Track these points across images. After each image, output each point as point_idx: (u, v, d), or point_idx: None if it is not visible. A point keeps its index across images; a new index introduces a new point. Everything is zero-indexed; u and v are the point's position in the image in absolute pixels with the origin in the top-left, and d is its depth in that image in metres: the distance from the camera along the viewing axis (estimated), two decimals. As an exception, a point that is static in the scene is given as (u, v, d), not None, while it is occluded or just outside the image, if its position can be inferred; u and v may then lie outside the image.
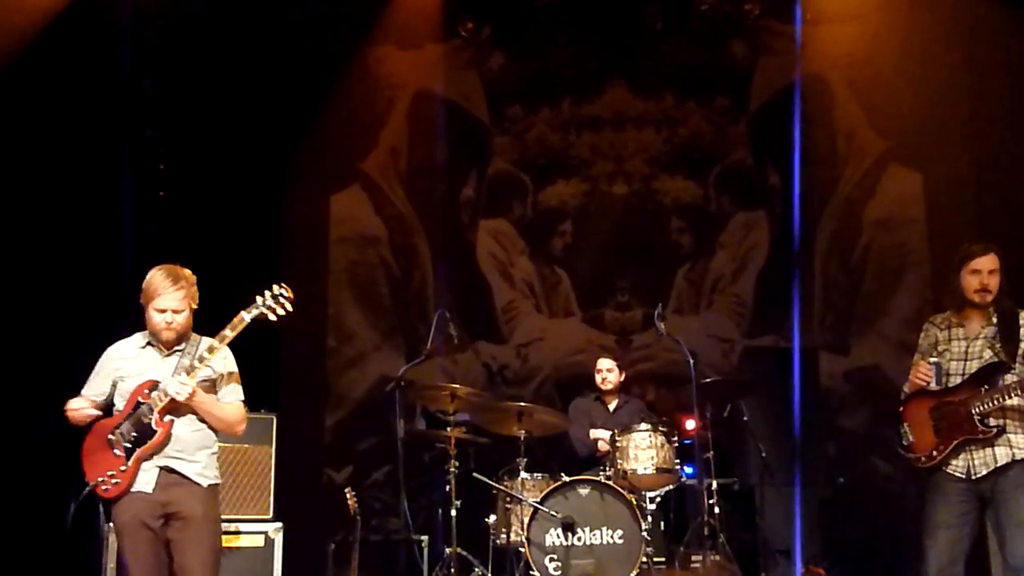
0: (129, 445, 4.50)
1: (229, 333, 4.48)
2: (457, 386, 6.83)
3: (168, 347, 4.61)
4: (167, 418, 4.51)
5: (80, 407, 4.61)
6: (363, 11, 8.53)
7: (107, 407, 4.65)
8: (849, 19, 8.52)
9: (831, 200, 8.77)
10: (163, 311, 4.52)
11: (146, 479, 4.50)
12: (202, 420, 4.60)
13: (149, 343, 4.65)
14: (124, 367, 4.63)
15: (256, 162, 8.02)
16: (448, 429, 6.83)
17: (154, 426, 4.49)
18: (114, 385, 4.62)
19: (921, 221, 8.59)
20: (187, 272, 4.61)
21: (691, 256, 8.91)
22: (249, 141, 7.97)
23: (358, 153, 9.00)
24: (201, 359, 4.48)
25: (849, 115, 8.77)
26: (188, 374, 4.47)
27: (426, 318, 8.34)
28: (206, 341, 4.61)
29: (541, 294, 8.96)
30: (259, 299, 4.51)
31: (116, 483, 4.49)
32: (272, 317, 4.53)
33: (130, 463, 4.49)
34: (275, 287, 4.55)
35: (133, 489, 4.49)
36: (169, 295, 4.51)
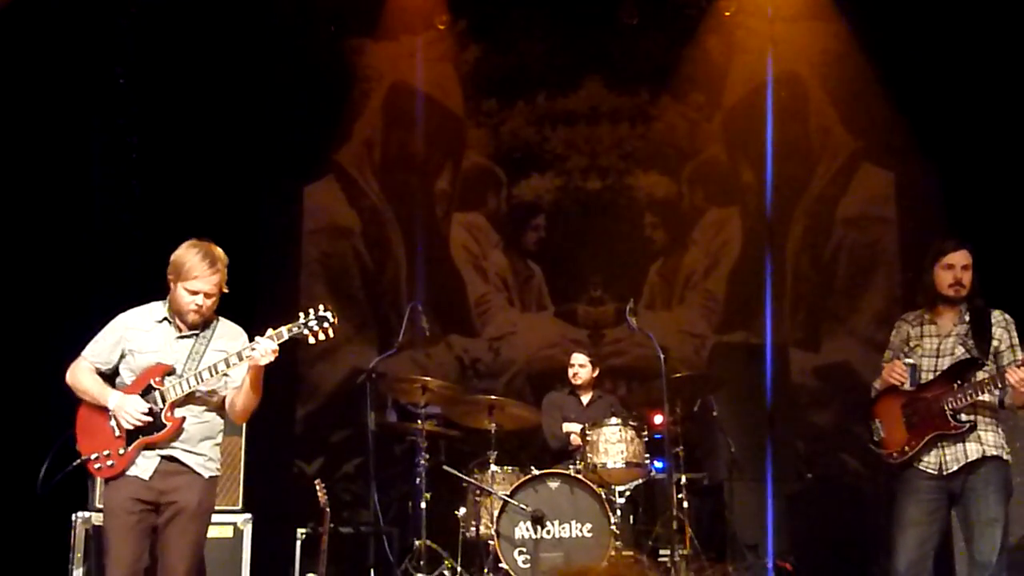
0: (131, 428, 4.33)
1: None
2: (428, 379, 6.83)
3: (189, 328, 4.44)
4: (178, 413, 4.36)
5: (137, 410, 4.32)
6: (339, 2, 8.48)
7: (110, 376, 4.49)
8: (822, 17, 8.56)
9: (803, 197, 8.83)
10: (196, 293, 4.35)
11: (145, 466, 4.36)
12: (208, 411, 4.46)
13: (167, 319, 4.47)
14: (136, 340, 4.44)
15: (230, 152, 7.97)
16: (419, 422, 6.83)
17: (163, 419, 4.34)
18: (122, 356, 4.46)
19: (892, 220, 8.67)
20: (222, 253, 4.43)
21: (664, 252, 8.94)
22: (223, 131, 7.92)
23: (332, 144, 8.96)
24: (240, 356, 4.29)
25: (822, 113, 8.84)
26: (225, 364, 4.30)
27: (399, 310, 8.32)
28: (225, 325, 4.51)
29: (514, 288, 8.97)
30: (302, 316, 4.35)
31: (111, 465, 4.35)
32: (312, 340, 4.36)
33: (130, 448, 4.34)
34: (321, 308, 4.37)
35: (128, 473, 4.35)
36: (205, 278, 4.34)
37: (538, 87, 9.02)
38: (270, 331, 4.31)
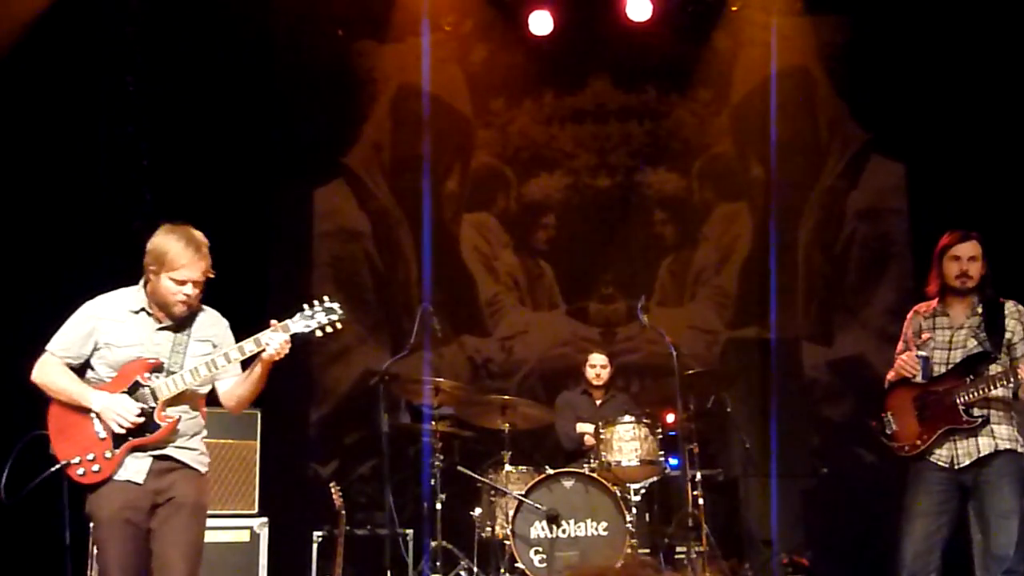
0: (123, 431, 4.01)
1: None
2: (441, 380, 6.85)
3: (172, 319, 4.14)
4: (173, 413, 4.09)
5: (129, 411, 4.01)
6: (345, 6, 8.49)
7: (78, 371, 4.14)
8: (827, 9, 8.54)
9: (814, 191, 8.81)
10: (183, 283, 4.05)
11: (136, 468, 4.04)
12: (195, 407, 4.20)
13: (144, 309, 4.15)
14: (110, 332, 4.10)
15: (240, 157, 7.99)
16: (433, 423, 6.84)
17: (156, 419, 4.04)
18: (95, 349, 4.11)
19: (904, 211, 8.63)
20: (202, 236, 4.14)
21: (674, 248, 8.93)
22: (233, 136, 7.93)
23: (341, 147, 8.97)
24: (258, 342, 4.07)
25: (831, 106, 8.81)
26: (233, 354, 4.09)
27: (410, 312, 8.31)
28: (204, 312, 4.26)
29: (525, 287, 8.97)
30: (307, 308, 4.16)
31: (97, 470, 4.00)
32: (319, 333, 4.17)
33: (118, 451, 4.01)
34: (327, 299, 4.19)
35: (118, 478, 4.01)
36: (192, 266, 4.04)
37: (545, 86, 9.02)
38: (275, 323, 4.11)
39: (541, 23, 8.53)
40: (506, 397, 7.03)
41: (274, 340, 4.07)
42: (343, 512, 6.40)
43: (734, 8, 8.58)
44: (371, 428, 7.64)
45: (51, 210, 7.08)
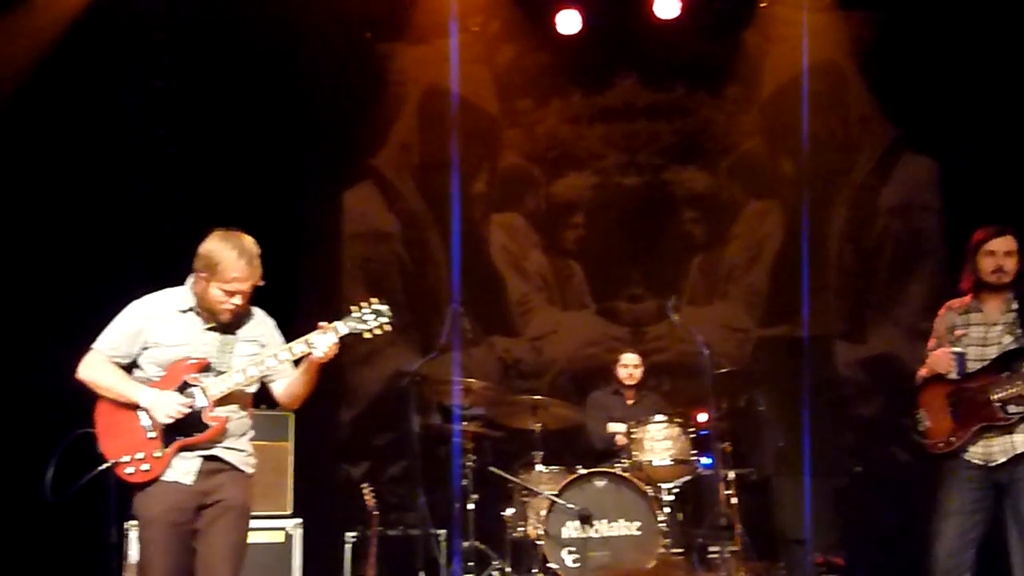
0: (167, 427, 4.03)
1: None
2: (472, 380, 6.86)
3: (220, 323, 4.16)
4: (222, 412, 4.10)
5: (179, 406, 4.02)
6: (371, 8, 8.51)
7: (126, 370, 4.16)
8: (857, 4, 8.47)
9: (845, 187, 8.74)
10: (232, 294, 4.06)
11: (185, 468, 4.06)
12: (244, 407, 4.22)
13: (192, 309, 4.17)
14: (158, 331, 4.12)
15: (269, 161, 8.03)
16: (463, 423, 6.85)
17: (205, 419, 4.05)
18: (143, 348, 4.13)
19: (936, 207, 8.55)
20: (254, 243, 4.14)
21: (704, 246, 8.88)
22: (261, 140, 7.97)
23: (370, 149, 8.99)
24: (308, 343, 4.09)
25: (861, 101, 8.73)
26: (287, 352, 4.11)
27: (440, 313, 8.33)
28: (258, 314, 4.28)
29: (555, 287, 8.96)
30: (355, 310, 4.16)
31: (146, 469, 4.01)
32: (367, 335, 4.17)
33: (168, 449, 4.02)
34: (375, 302, 4.19)
35: (166, 478, 4.04)
36: (244, 280, 4.05)
37: (573, 85, 8.99)
38: (323, 325, 4.11)
39: (569, 22, 8.52)
40: (537, 397, 7.03)
41: (323, 342, 4.08)
42: (375, 513, 6.42)
43: (763, 4, 8.52)
44: (401, 429, 7.66)
45: (86, 213, 7.17)
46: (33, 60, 7.04)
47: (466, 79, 8.90)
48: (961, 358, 4.86)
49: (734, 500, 6.58)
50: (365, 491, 6.41)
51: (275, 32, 7.99)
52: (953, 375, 4.86)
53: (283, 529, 6.26)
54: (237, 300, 4.10)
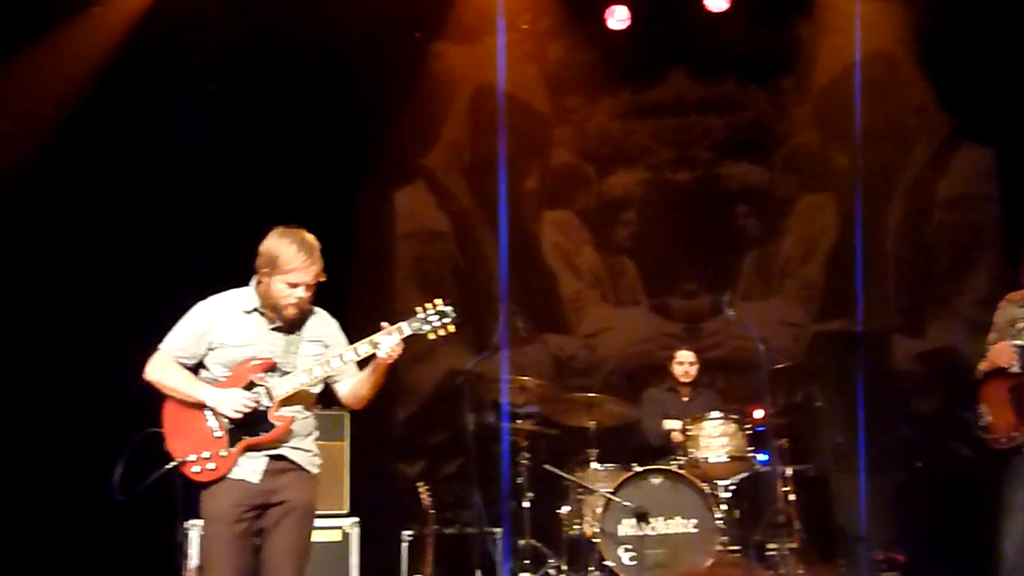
0: (233, 426, 4.06)
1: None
2: (526, 378, 6.87)
3: (284, 321, 4.17)
4: (288, 412, 4.12)
5: (244, 403, 4.05)
6: (420, 8, 8.54)
7: (192, 371, 4.21)
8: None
9: (901, 179, 8.62)
10: (296, 285, 4.07)
11: (252, 467, 4.08)
12: (308, 407, 4.23)
13: (256, 310, 4.18)
14: (223, 332, 4.15)
15: (320, 161, 8.09)
16: (518, 421, 6.86)
17: (271, 419, 4.08)
18: (209, 349, 4.17)
19: (995, 197, 8.40)
20: (315, 239, 4.18)
21: (758, 241, 8.80)
22: (313, 141, 8.04)
23: (420, 149, 9.03)
24: (373, 344, 4.10)
25: (917, 91, 8.60)
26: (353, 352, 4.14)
27: (492, 311, 8.35)
28: (315, 313, 4.28)
29: (607, 283, 8.93)
30: (420, 311, 4.18)
31: (212, 468, 4.05)
32: (432, 336, 4.19)
33: (234, 449, 4.06)
34: (440, 303, 4.21)
35: (232, 476, 4.06)
36: (305, 270, 4.07)
37: (623, 81, 8.96)
38: (387, 326, 4.12)
39: (618, 18, 8.49)
40: (591, 394, 7.02)
41: (388, 342, 4.10)
42: (431, 511, 6.45)
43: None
44: (456, 427, 7.68)
45: (147, 217, 7.29)
46: (96, 66, 7.17)
47: (516, 77, 8.91)
48: (1023, 351, 4.78)
49: (792, 497, 6.52)
50: (421, 490, 6.44)
51: (325, 34, 8.07)
52: (1015, 368, 4.79)
53: (340, 528, 6.31)
54: (300, 292, 4.10)
